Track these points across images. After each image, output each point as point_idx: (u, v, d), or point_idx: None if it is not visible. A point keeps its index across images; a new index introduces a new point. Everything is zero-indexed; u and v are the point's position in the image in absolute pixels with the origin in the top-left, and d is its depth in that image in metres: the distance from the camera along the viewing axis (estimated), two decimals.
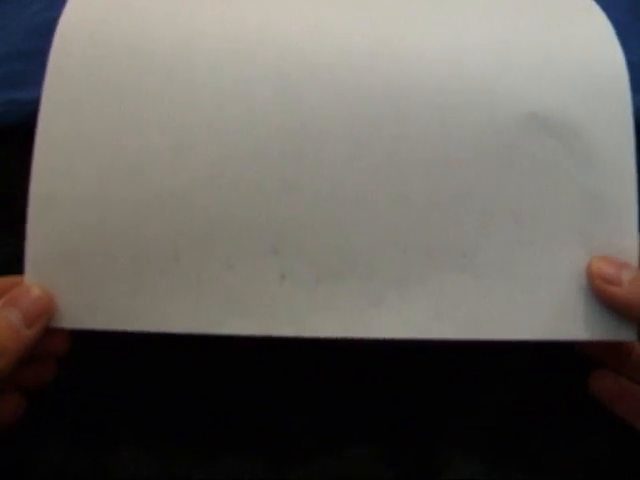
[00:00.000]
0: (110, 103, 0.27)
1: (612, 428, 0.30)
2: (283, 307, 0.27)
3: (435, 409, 0.30)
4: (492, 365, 0.31)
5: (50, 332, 0.26)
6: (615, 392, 0.29)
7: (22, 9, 0.34)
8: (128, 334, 0.26)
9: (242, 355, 0.30)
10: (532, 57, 0.29)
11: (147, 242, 0.27)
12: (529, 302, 0.27)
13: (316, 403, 0.30)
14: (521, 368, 0.31)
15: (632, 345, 0.29)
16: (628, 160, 0.28)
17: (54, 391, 0.29)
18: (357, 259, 0.27)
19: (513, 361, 0.31)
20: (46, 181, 0.27)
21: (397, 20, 0.29)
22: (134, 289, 0.26)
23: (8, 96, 0.29)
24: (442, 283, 0.27)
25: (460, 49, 0.28)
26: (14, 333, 0.25)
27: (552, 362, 0.31)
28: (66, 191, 0.27)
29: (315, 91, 0.27)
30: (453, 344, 0.27)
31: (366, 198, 0.27)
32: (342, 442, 0.30)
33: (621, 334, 0.27)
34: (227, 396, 0.30)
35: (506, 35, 0.29)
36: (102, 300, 0.26)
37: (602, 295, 0.27)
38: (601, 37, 0.30)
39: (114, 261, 0.26)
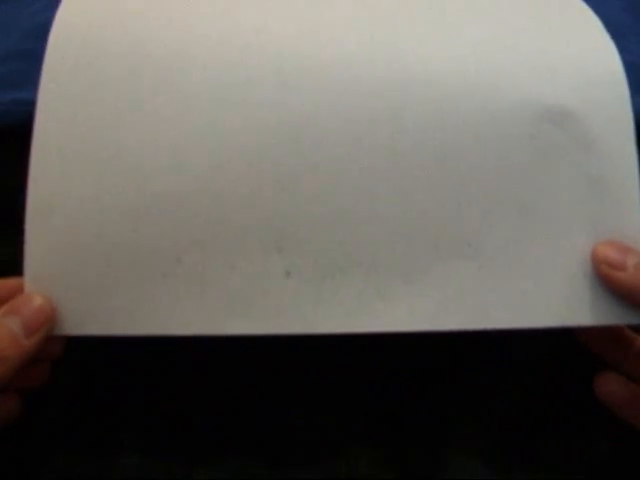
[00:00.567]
0: (106, 106, 0.27)
1: (612, 428, 0.30)
2: (289, 304, 0.26)
3: (436, 410, 0.30)
4: (493, 366, 0.31)
5: (49, 339, 0.26)
6: (624, 397, 0.28)
7: (22, 9, 0.33)
8: (129, 336, 0.26)
9: (243, 356, 0.29)
10: (530, 51, 0.29)
11: (148, 245, 0.26)
12: (535, 289, 0.27)
13: (317, 404, 0.30)
14: (521, 369, 0.31)
15: (632, 338, 0.29)
16: (628, 145, 0.28)
17: (57, 396, 0.29)
18: (361, 253, 0.27)
19: (513, 362, 0.31)
20: (44, 188, 0.26)
21: (395, 21, 0.29)
22: (136, 293, 0.26)
23: (8, 96, 0.29)
24: (448, 273, 0.27)
25: (458, 45, 0.28)
26: (14, 341, 0.24)
27: (552, 363, 0.31)
28: (64, 197, 0.26)
29: (313, 90, 0.27)
30: (458, 336, 0.27)
31: (368, 192, 0.27)
32: (343, 443, 0.30)
33: (626, 318, 0.27)
34: (228, 398, 0.30)
35: (502, 32, 0.29)
36: (104, 305, 0.26)
37: (607, 280, 0.27)
38: (594, 32, 0.30)
39: (115, 266, 0.26)
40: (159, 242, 0.26)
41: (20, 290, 0.26)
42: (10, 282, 0.26)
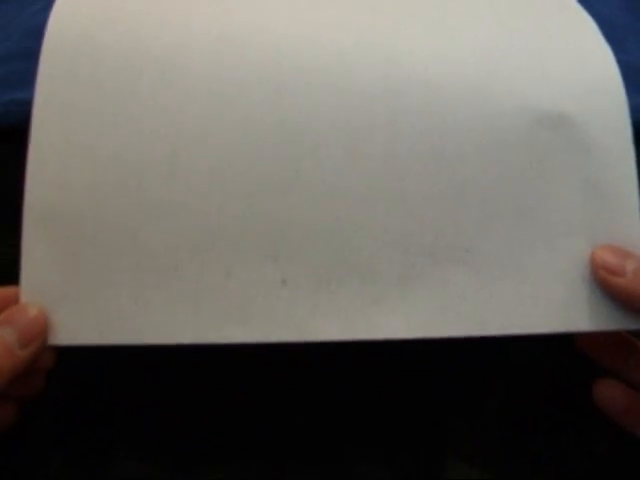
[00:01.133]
0: (102, 110, 0.26)
1: (611, 430, 0.29)
2: (285, 312, 0.26)
3: (434, 411, 0.30)
4: (491, 368, 0.31)
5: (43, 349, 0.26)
6: (624, 405, 0.28)
7: (22, 9, 0.33)
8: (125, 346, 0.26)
9: (243, 358, 0.29)
10: (525, 56, 0.28)
11: (145, 253, 0.26)
12: (533, 295, 0.27)
13: (316, 407, 0.30)
14: (520, 370, 0.31)
15: (633, 343, 0.28)
16: (626, 150, 0.28)
17: (54, 400, 0.29)
18: (358, 260, 0.27)
19: (512, 363, 0.31)
20: (40, 197, 0.26)
21: (392, 23, 0.28)
22: (133, 302, 0.26)
23: (8, 96, 0.29)
24: (445, 280, 0.27)
25: (454, 48, 0.28)
26: (9, 352, 0.24)
27: (551, 364, 0.31)
28: (61, 207, 0.26)
29: (309, 93, 0.27)
30: (456, 342, 0.27)
31: (365, 199, 0.27)
32: (343, 443, 0.30)
33: (626, 323, 0.27)
34: (227, 399, 0.30)
35: (498, 37, 0.29)
36: (100, 315, 0.26)
37: (605, 286, 0.27)
38: (591, 36, 0.30)
39: (111, 275, 0.26)
40: (156, 251, 0.26)
41: (15, 299, 0.26)
42: (5, 291, 0.26)
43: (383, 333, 0.27)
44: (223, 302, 0.26)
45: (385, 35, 0.28)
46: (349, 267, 0.26)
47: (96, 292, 0.26)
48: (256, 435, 0.30)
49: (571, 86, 0.28)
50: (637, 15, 0.35)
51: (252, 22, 0.28)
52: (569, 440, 0.30)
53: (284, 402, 0.30)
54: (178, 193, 0.26)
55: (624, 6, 0.35)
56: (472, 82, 0.27)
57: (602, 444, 0.31)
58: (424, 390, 0.30)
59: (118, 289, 0.26)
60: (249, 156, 0.26)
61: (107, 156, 0.26)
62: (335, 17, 0.28)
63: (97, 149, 0.26)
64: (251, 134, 0.26)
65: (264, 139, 0.26)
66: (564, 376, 0.30)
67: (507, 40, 0.29)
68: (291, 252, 0.26)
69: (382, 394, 0.30)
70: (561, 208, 0.27)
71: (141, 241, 0.26)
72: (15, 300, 0.26)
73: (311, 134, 0.26)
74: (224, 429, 0.30)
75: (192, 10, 0.28)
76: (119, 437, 0.29)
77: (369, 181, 0.27)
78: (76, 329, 0.26)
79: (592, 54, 0.29)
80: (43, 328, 0.25)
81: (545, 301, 0.27)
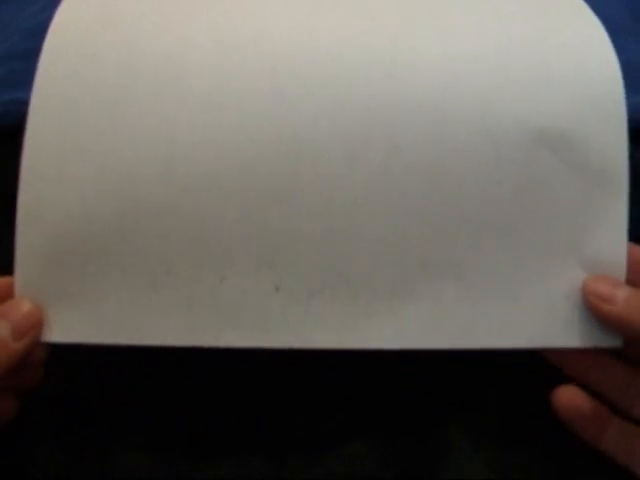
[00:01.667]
0: (100, 112, 0.27)
1: None
2: (277, 319, 0.26)
3: (435, 408, 0.30)
4: (491, 362, 0.30)
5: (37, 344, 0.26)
6: (588, 414, 0.28)
7: (22, 9, 0.33)
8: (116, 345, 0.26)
9: (243, 356, 0.29)
10: (527, 69, 0.28)
11: (138, 255, 0.26)
12: (521, 311, 0.28)
13: (316, 403, 0.30)
14: (522, 369, 0.31)
15: (599, 355, 0.29)
16: (622, 170, 0.28)
17: (56, 395, 0.30)
18: (351, 271, 0.27)
19: (512, 358, 0.31)
20: (34, 194, 0.26)
21: (392, 31, 0.29)
22: (125, 303, 0.26)
23: (8, 96, 0.29)
24: (435, 294, 0.27)
25: (454, 60, 0.28)
26: (2, 344, 0.25)
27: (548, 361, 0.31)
28: (54, 204, 0.26)
29: (309, 103, 0.27)
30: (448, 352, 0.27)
31: (359, 211, 0.27)
32: (343, 443, 0.30)
33: (608, 341, 0.28)
34: (228, 397, 0.30)
35: (500, 47, 0.29)
36: (93, 313, 0.26)
37: (596, 312, 0.27)
38: (595, 45, 0.29)
39: (104, 274, 0.26)
40: (149, 252, 0.26)
41: (10, 290, 0.26)
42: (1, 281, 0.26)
43: (373, 343, 0.27)
44: (216, 306, 0.26)
45: (385, 45, 0.28)
46: (342, 277, 0.27)
47: (88, 291, 0.26)
48: (256, 433, 0.30)
49: (574, 103, 0.28)
50: (637, 15, 0.35)
51: (251, 28, 0.28)
52: (571, 438, 0.29)
53: (283, 400, 0.30)
54: (174, 196, 0.26)
55: (624, 6, 0.35)
56: (473, 97, 0.28)
57: None
58: (424, 389, 0.30)
59: (111, 289, 0.26)
60: (246, 162, 0.27)
61: (103, 156, 0.26)
62: (334, 26, 0.28)
63: (93, 149, 0.26)
64: (248, 141, 0.27)
65: (261, 146, 0.27)
66: (560, 372, 0.31)
67: (510, 52, 0.29)
68: (285, 260, 0.27)
69: (382, 393, 0.30)
70: (553, 228, 0.28)
71: (135, 242, 0.26)
72: (9, 292, 0.26)
73: (308, 143, 0.27)
74: (224, 426, 0.30)
75: (191, 15, 0.28)
76: (119, 435, 0.29)
77: (365, 192, 0.27)
78: (69, 327, 0.26)
79: (597, 66, 0.29)
80: (37, 322, 0.26)
81: (532, 317, 0.28)
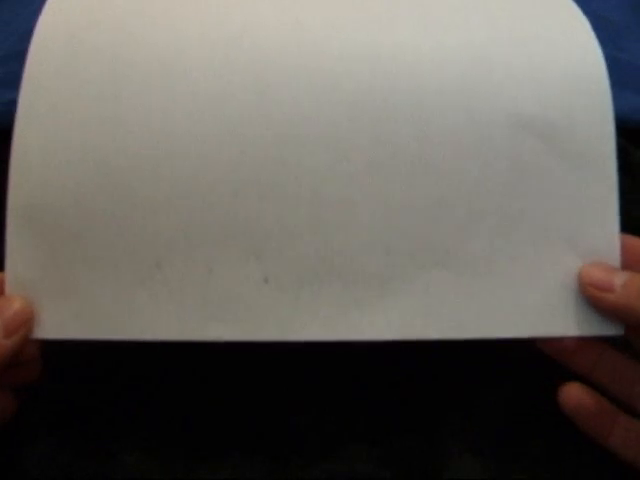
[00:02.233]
0: (88, 110, 0.27)
1: None
2: (266, 311, 0.26)
3: (434, 409, 0.30)
4: (490, 363, 0.30)
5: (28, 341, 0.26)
6: (592, 410, 0.28)
7: (21, 9, 0.34)
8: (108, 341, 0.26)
9: (243, 356, 0.29)
10: (512, 59, 0.28)
11: (128, 250, 0.26)
12: (514, 300, 0.27)
13: (315, 403, 0.30)
14: (521, 367, 0.30)
15: (604, 346, 0.28)
16: (609, 156, 0.28)
17: (54, 396, 0.30)
18: (340, 262, 0.27)
19: (511, 358, 0.30)
20: (24, 191, 0.26)
21: (377, 25, 0.29)
22: (116, 298, 0.26)
23: (8, 96, 0.29)
24: (426, 283, 0.27)
25: (440, 51, 0.28)
26: None
27: (551, 361, 0.30)
28: (44, 200, 0.26)
29: (294, 95, 0.27)
30: (446, 343, 0.27)
31: (348, 200, 0.27)
32: (343, 442, 0.30)
33: (609, 329, 0.27)
34: (228, 397, 0.30)
35: (486, 37, 0.29)
36: (84, 309, 0.26)
37: (595, 302, 0.27)
38: (579, 36, 0.29)
39: (95, 270, 0.26)
40: (138, 246, 0.26)
41: (1, 287, 0.27)
42: None
43: (364, 334, 0.27)
44: (205, 299, 0.26)
45: (371, 38, 0.28)
46: (332, 268, 0.27)
47: (79, 287, 0.26)
48: (256, 433, 0.29)
49: (558, 91, 0.28)
50: (637, 15, 0.35)
51: (237, 23, 0.28)
52: (572, 437, 0.29)
53: (283, 401, 0.30)
54: (162, 190, 0.26)
55: (624, 5, 0.35)
56: (459, 87, 0.28)
57: None
58: (423, 389, 0.30)
59: (101, 285, 0.26)
60: (233, 155, 0.27)
61: (91, 153, 0.27)
62: (319, 19, 0.29)
63: (81, 146, 0.27)
64: (236, 134, 0.27)
65: (249, 139, 0.27)
66: (566, 371, 0.30)
67: (495, 42, 0.29)
68: (274, 251, 0.26)
69: (381, 393, 0.30)
70: (543, 215, 0.28)
71: (124, 237, 0.26)
72: (0, 287, 0.26)
73: (296, 135, 0.27)
74: (225, 428, 0.30)
75: (179, 12, 0.29)
76: (118, 435, 0.29)
77: (353, 182, 0.27)
78: (60, 323, 0.26)
79: (582, 56, 0.29)
80: (27, 319, 0.26)
81: (525, 306, 0.27)
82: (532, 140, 0.27)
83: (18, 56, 0.28)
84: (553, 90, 0.28)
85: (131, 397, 0.30)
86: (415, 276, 0.27)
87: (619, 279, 0.26)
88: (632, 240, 0.28)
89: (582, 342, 0.28)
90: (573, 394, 0.28)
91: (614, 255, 0.28)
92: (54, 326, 0.26)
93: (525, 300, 0.27)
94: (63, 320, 0.26)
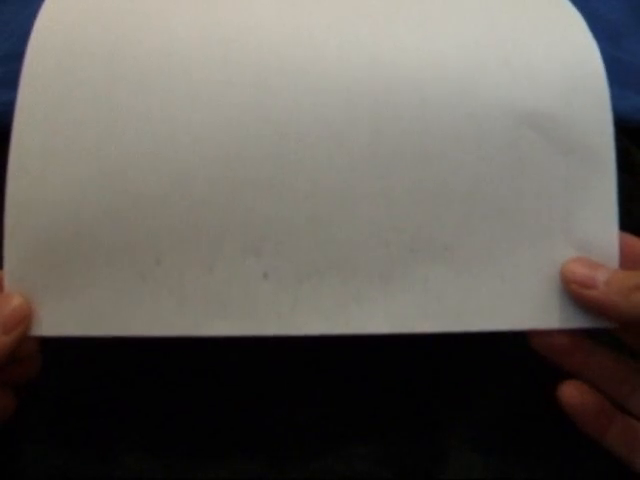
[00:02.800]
0: (85, 106, 0.27)
1: None
2: (266, 306, 0.26)
3: (436, 408, 0.30)
4: (492, 364, 0.31)
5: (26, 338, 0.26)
6: (593, 408, 0.28)
7: (22, 9, 0.33)
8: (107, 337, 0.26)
9: (242, 355, 0.30)
10: (510, 54, 0.29)
11: (127, 246, 0.26)
12: (511, 293, 0.27)
13: (316, 402, 0.30)
14: (522, 366, 0.31)
15: (593, 345, 0.28)
16: (608, 150, 0.28)
17: (54, 396, 0.30)
18: (339, 256, 0.27)
19: (513, 359, 0.31)
20: (22, 187, 0.26)
21: (375, 22, 0.29)
22: (115, 294, 0.26)
23: (8, 96, 0.29)
24: (425, 277, 0.27)
25: (438, 46, 0.28)
26: None
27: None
28: (43, 197, 0.26)
29: (292, 90, 0.27)
30: (448, 338, 0.27)
31: (347, 195, 0.27)
32: (343, 442, 0.30)
33: (601, 321, 0.28)
34: (227, 397, 0.30)
35: (483, 33, 0.29)
36: (83, 306, 0.26)
37: (579, 299, 0.27)
38: (575, 31, 0.30)
39: (94, 266, 0.26)
40: (138, 243, 0.26)
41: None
42: None
43: (364, 328, 0.27)
44: (205, 295, 0.26)
45: (369, 34, 0.28)
46: (331, 262, 0.27)
47: (79, 283, 0.26)
48: (256, 433, 0.30)
49: (556, 84, 0.28)
50: (637, 15, 0.35)
51: (237, 22, 0.28)
52: (572, 435, 0.29)
53: (283, 401, 0.30)
54: (161, 186, 0.26)
55: (625, 6, 0.35)
56: (456, 81, 0.28)
57: None
58: (423, 389, 0.30)
59: (101, 281, 0.26)
60: (231, 151, 0.27)
61: (90, 149, 0.26)
62: (320, 18, 0.29)
63: (80, 143, 0.26)
64: (233, 130, 0.27)
65: (246, 134, 0.27)
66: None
67: (493, 37, 0.29)
68: (273, 246, 0.27)
69: (381, 393, 0.30)
70: (541, 208, 0.28)
71: (124, 233, 0.26)
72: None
73: (294, 131, 0.27)
74: (224, 426, 0.30)
75: (176, 11, 0.28)
76: (119, 434, 0.29)
77: (351, 177, 0.27)
78: (59, 320, 0.26)
79: (578, 51, 0.29)
80: (26, 316, 0.26)
81: (522, 299, 0.27)
82: (531, 135, 0.28)
83: (18, 56, 0.28)
84: (551, 86, 0.28)
85: (130, 396, 0.30)
86: (414, 270, 0.27)
87: (602, 275, 0.26)
88: (632, 240, 0.28)
89: (573, 340, 0.28)
90: (574, 392, 0.28)
91: (612, 250, 0.28)
92: (53, 323, 0.26)
93: (520, 294, 0.27)
94: (62, 317, 0.26)
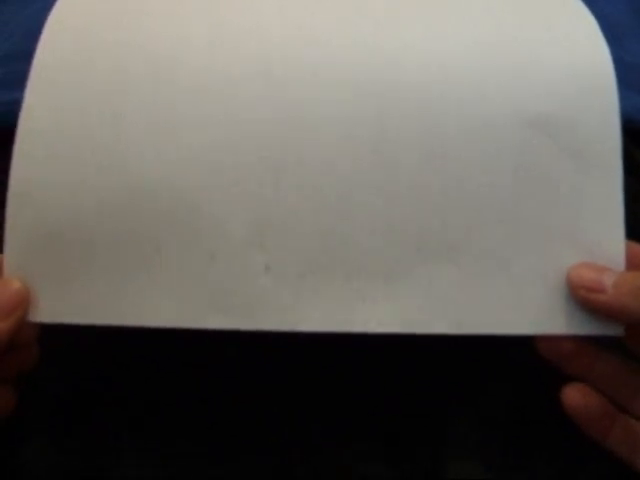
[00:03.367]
0: (91, 98, 0.27)
1: None
2: (267, 299, 0.26)
3: (436, 409, 0.30)
4: (493, 366, 0.30)
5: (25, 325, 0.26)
6: (597, 411, 0.27)
7: (22, 9, 0.34)
8: (126, 332, 0.26)
9: (243, 354, 0.29)
10: (518, 56, 0.28)
11: (128, 234, 0.26)
12: (516, 297, 0.27)
13: (319, 401, 0.30)
14: (522, 368, 0.30)
15: (598, 350, 0.28)
16: (615, 156, 0.28)
17: (53, 395, 0.29)
18: (344, 252, 0.26)
19: (514, 361, 0.30)
20: (24, 175, 0.26)
21: (383, 23, 0.29)
22: (114, 282, 0.26)
23: (8, 96, 0.29)
24: (429, 277, 0.27)
25: (448, 47, 0.28)
26: None
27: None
28: (44, 184, 0.26)
29: (299, 88, 0.27)
30: (450, 339, 0.27)
31: (352, 191, 0.27)
32: (343, 442, 0.29)
33: (609, 329, 0.27)
34: (229, 396, 0.30)
35: (492, 35, 0.29)
36: (82, 293, 0.26)
37: (587, 304, 0.26)
38: (586, 33, 0.29)
39: (94, 254, 0.26)
40: (139, 231, 0.26)
41: None
42: None
43: (365, 327, 0.26)
44: (206, 286, 0.26)
45: (377, 33, 0.28)
46: (335, 258, 0.26)
47: (78, 271, 0.26)
48: (260, 432, 0.29)
49: (565, 87, 0.28)
50: (639, 16, 0.35)
51: (245, 18, 0.28)
52: (572, 438, 0.29)
53: (285, 400, 0.30)
54: (163, 174, 0.26)
55: (627, 6, 0.35)
56: (464, 82, 0.28)
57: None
58: (426, 389, 0.30)
59: (99, 269, 0.26)
60: (238, 144, 0.27)
61: (92, 138, 0.26)
62: (327, 16, 0.29)
63: (82, 131, 0.27)
64: (240, 124, 0.27)
65: (253, 129, 0.27)
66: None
67: (502, 39, 0.29)
68: (277, 240, 0.26)
69: (384, 393, 0.30)
70: (548, 212, 0.27)
71: (123, 221, 0.26)
72: None
73: (299, 125, 0.27)
74: (225, 424, 0.29)
75: (186, 9, 0.29)
76: (119, 433, 0.29)
77: (357, 175, 0.27)
78: (57, 307, 0.26)
79: (589, 53, 0.29)
80: (24, 301, 0.26)
81: (528, 303, 0.27)
82: (539, 138, 0.27)
83: (18, 56, 0.28)
84: (560, 88, 0.28)
85: (130, 397, 0.29)
86: (418, 270, 0.27)
87: (609, 278, 0.26)
88: (637, 248, 0.28)
89: (579, 345, 0.27)
90: (577, 395, 0.27)
91: (619, 255, 0.27)
92: (51, 310, 0.26)
93: (525, 298, 0.27)
94: (61, 304, 0.26)
